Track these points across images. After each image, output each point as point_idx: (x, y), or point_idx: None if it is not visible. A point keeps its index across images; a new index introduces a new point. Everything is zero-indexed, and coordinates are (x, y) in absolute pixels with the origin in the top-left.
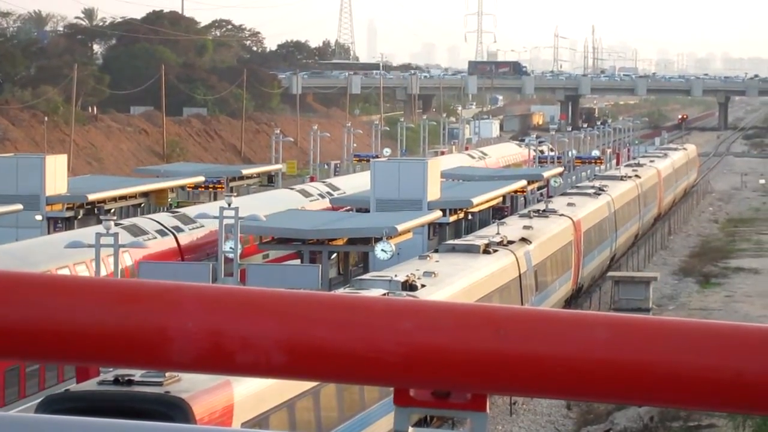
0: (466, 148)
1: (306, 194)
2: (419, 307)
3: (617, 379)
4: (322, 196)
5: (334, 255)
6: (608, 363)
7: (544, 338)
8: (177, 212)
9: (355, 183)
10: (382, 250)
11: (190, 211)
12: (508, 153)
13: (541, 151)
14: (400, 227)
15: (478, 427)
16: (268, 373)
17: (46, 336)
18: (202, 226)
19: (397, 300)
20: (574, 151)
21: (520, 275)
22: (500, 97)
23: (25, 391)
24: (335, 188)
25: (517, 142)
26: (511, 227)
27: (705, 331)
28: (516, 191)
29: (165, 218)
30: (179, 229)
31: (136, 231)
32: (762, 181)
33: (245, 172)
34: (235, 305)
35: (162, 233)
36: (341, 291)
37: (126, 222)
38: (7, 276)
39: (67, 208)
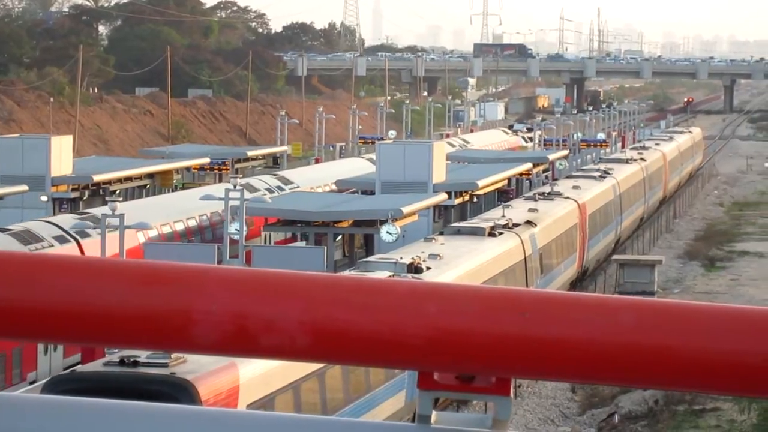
0: (471, 131)
1: (252, 189)
2: (444, 291)
3: (642, 364)
4: (271, 191)
5: (340, 237)
6: (633, 347)
7: (569, 322)
8: (85, 213)
9: (309, 176)
10: (388, 232)
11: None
12: (493, 140)
13: (530, 138)
14: (406, 209)
15: (502, 411)
16: (292, 355)
17: (68, 317)
18: (116, 228)
19: (422, 283)
20: (580, 134)
21: (525, 258)
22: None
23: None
24: (288, 182)
25: (504, 129)
26: (517, 210)
27: (730, 316)
28: (521, 174)
29: (68, 221)
30: (84, 234)
31: (28, 238)
32: (767, 165)
33: (250, 153)
34: (260, 287)
35: (62, 240)
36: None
37: (17, 227)
38: (29, 257)
39: (73, 189)
